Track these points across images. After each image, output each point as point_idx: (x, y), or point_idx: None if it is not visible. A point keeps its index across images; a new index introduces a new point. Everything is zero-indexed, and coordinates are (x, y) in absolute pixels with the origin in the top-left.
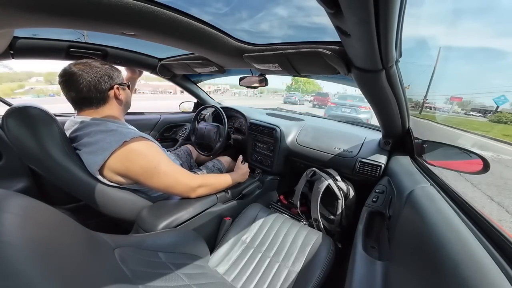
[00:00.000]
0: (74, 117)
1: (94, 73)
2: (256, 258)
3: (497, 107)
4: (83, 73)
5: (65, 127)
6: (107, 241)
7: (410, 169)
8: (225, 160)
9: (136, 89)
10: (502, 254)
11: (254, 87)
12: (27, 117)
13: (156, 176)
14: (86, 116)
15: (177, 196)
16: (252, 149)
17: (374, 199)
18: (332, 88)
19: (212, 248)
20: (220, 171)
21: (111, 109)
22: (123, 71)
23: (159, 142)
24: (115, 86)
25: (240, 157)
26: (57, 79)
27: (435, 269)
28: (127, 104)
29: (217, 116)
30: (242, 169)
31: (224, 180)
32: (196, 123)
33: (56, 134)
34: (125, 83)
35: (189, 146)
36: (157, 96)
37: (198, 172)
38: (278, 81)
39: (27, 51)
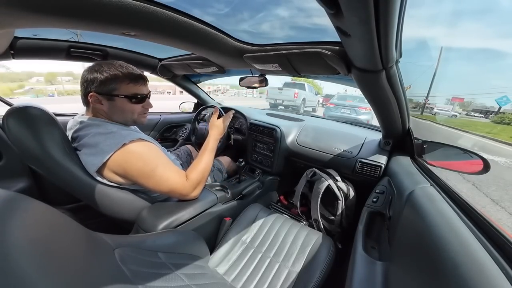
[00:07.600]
0: (78, 117)
1: (87, 75)
2: (256, 259)
3: (499, 107)
4: (83, 74)
5: (68, 126)
6: (107, 241)
7: (410, 169)
8: (225, 160)
9: None
10: (503, 254)
11: (254, 88)
12: (28, 117)
13: (152, 178)
14: (87, 116)
15: (176, 198)
16: (252, 149)
17: (374, 200)
18: (332, 88)
19: (212, 249)
20: (220, 171)
21: (101, 113)
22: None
23: (159, 142)
24: (90, 94)
25: (215, 115)
26: (57, 79)
27: (435, 269)
28: (120, 116)
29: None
30: (213, 122)
31: (207, 156)
32: (196, 123)
33: (56, 134)
34: (115, 94)
35: (189, 146)
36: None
37: None
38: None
39: (28, 51)
